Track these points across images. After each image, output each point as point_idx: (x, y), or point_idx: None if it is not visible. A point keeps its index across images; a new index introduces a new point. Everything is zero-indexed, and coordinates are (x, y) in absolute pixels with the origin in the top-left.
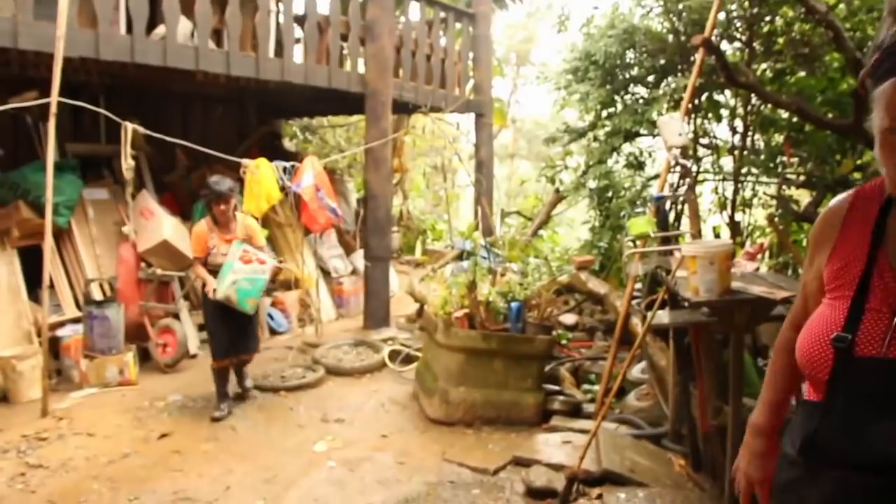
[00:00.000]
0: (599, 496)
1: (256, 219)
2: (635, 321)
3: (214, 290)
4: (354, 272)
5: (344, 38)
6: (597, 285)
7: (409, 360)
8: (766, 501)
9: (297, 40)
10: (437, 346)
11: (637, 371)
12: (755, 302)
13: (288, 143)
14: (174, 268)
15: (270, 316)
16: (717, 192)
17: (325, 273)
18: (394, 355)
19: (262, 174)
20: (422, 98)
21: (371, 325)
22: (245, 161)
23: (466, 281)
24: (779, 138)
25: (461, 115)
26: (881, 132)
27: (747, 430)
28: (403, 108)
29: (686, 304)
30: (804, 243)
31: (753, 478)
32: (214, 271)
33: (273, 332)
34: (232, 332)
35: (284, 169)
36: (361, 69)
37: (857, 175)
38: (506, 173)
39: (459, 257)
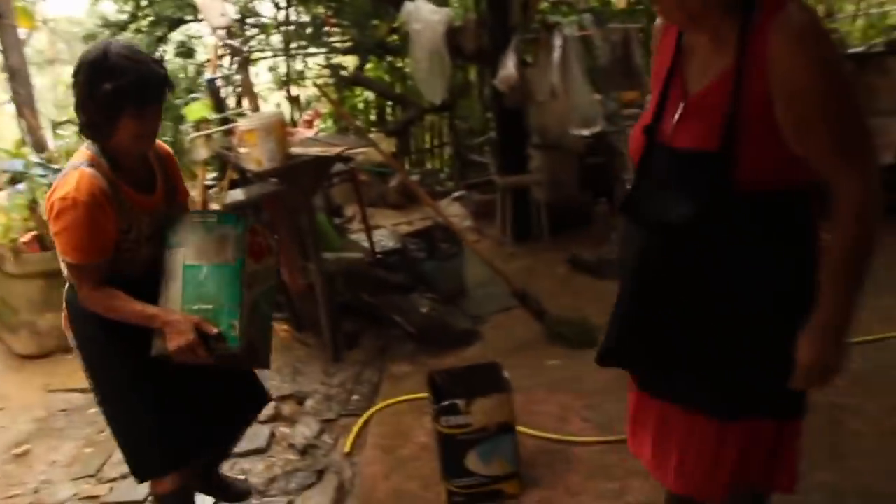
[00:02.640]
0: None
1: None
2: (215, 207)
3: (208, 340)
4: None
5: None
6: None
7: None
8: None
9: None
10: (10, 277)
11: None
12: (315, 162)
13: None
14: None
15: None
16: (273, 70)
17: None
18: None
19: None
20: None
21: None
22: None
23: (26, 202)
24: (320, 10)
25: None
26: None
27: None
28: None
29: (254, 178)
30: (359, 106)
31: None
32: (129, 286)
33: None
34: (204, 400)
35: None
36: None
37: (394, 37)
38: (49, 82)
39: (14, 180)
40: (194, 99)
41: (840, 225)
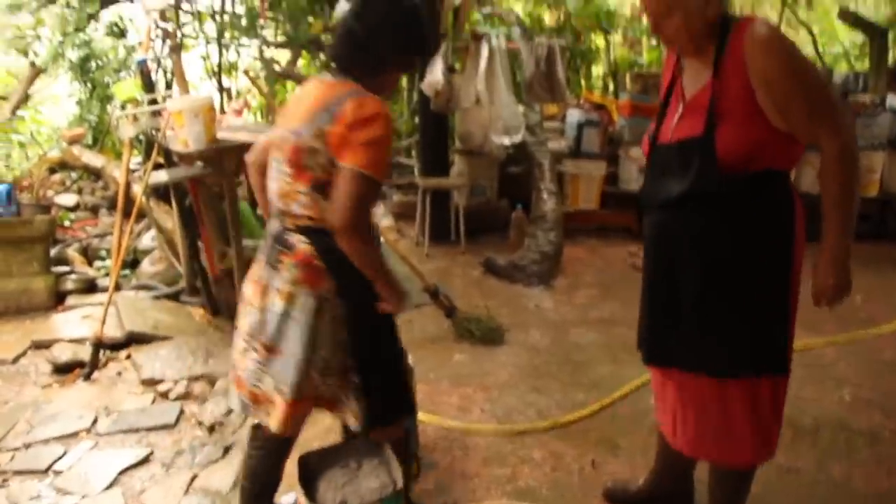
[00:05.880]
0: (128, 356)
1: None
2: (138, 189)
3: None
4: None
5: None
6: (92, 158)
7: None
8: None
9: None
10: None
11: (147, 240)
12: (240, 147)
13: None
14: None
15: None
16: (205, 59)
17: None
18: None
19: None
20: None
21: None
22: None
23: None
24: (255, 2)
25: None
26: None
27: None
28: None
29: (179, 161)
30: (289, 99)
31: None
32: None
33: None
34: None
35: None
36: None
37: (328, 35)
38: None
39: None
40: (123, 79)
41: (829, 173)
